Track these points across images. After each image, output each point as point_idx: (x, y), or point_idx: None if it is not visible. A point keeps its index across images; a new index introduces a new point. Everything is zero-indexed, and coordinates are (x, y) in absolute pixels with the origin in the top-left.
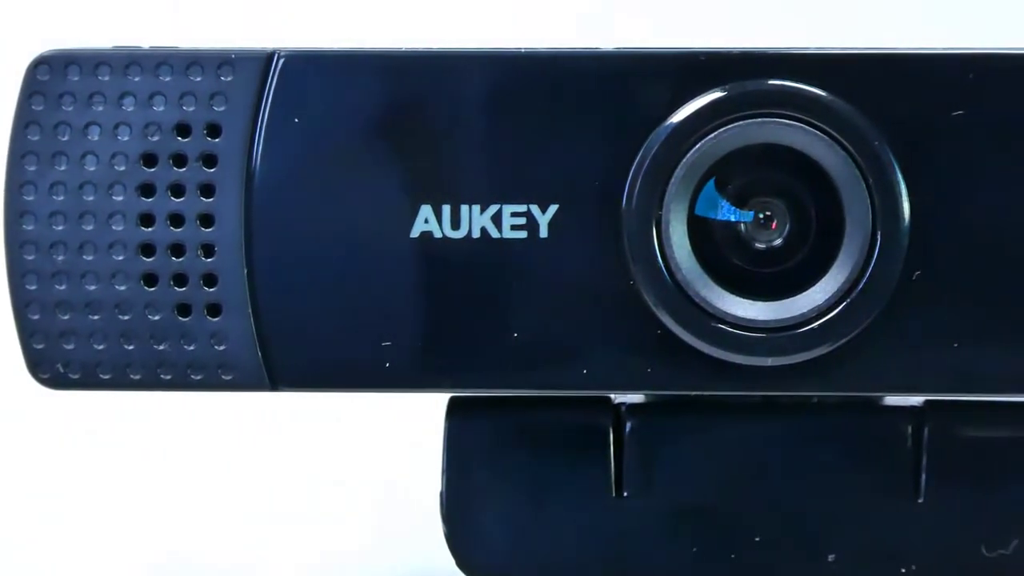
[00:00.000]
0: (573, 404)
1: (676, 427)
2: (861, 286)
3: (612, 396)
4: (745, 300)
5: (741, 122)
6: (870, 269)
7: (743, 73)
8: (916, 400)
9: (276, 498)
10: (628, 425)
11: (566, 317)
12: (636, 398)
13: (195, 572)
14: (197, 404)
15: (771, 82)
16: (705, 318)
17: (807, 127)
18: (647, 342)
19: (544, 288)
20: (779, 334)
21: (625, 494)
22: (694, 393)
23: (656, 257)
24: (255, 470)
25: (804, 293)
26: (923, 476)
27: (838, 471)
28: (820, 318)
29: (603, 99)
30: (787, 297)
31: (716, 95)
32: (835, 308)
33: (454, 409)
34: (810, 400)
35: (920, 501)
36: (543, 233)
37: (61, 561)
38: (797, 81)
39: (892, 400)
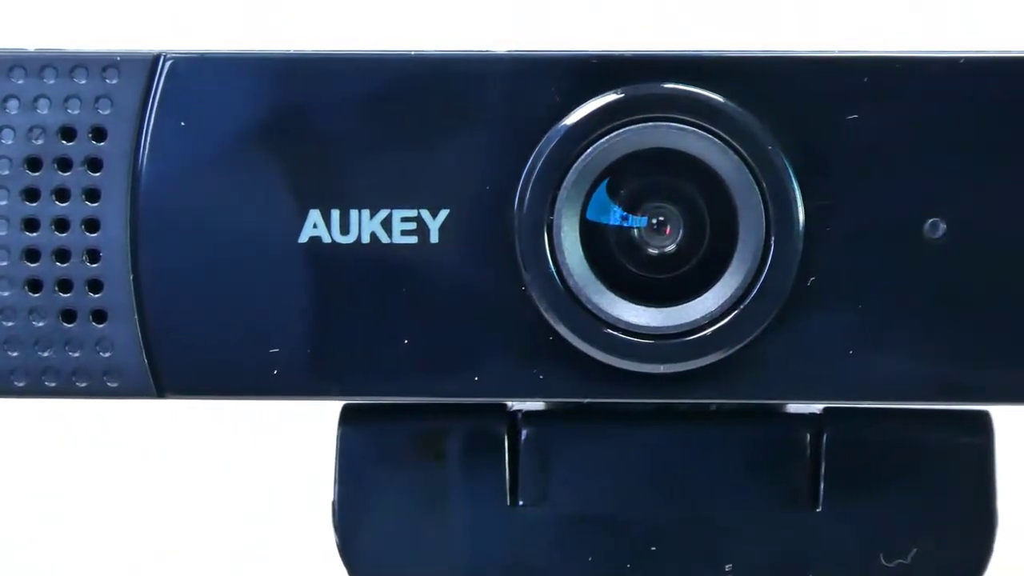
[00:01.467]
0: (468, 411)
1: (572, 435)
2: (754, 293)
3: (509, 403)
4: (638, 306)
5: (634, 126)
6: (763, 275)
7: (637, 76)
8: (816, 407)
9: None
10: (524, 433)
11: (457, 324)
12: (533, 405)
13: None
14: None
15: (664, 85)
16: (597, 324)
17: (700, 131)
18: (539, 349)
19: (435, 294)
20: (671, 341)
21: (520, 503)
22: (587, 401)
23: (547, 263)
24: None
25: (697, 299)
26: (821, 484)
27: (736, 479)
28: (713, 325)
29: (494, 102)
30: (680, 303)
31: (608, 98)
32: (728, 315)
33: (347, 416)
34: (708, 407)
35: (818, 510)
36: (434, 238)
37: None
38: (692, 84)
39: (792, 407)
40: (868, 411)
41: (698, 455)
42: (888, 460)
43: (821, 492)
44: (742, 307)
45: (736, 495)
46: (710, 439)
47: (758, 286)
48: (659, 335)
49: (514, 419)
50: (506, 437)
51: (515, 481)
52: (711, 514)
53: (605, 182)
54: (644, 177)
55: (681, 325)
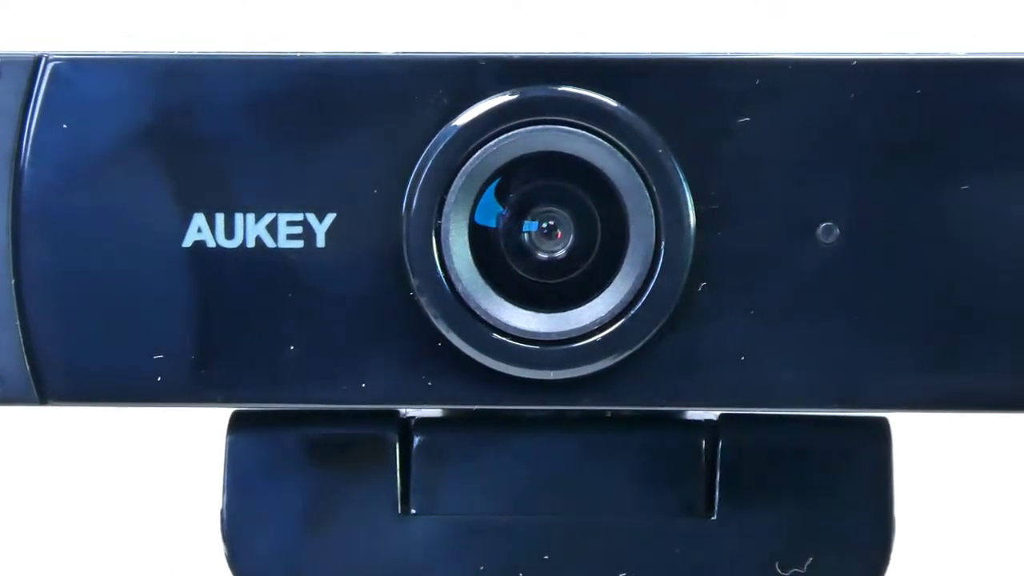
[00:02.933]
0: (360, 418)
1: (466, 442)
2: (644, 298)
3: (402, 410)
4: (527, 312)
5: (523, 129)
6: (654, 280)
7: (527, 78)
8: (712, 414)
9: None
10: (416, 440)
11: (345, 329)
12: (427, 412)
13: None
14: None
15: (554, 88)
16: (485, 330)
17: (590, 134)
18: (428, 355)
19: (322, 299)
20: (560, 347)
21: (412, 511)
22: (476, 408)
23: (435, 267)
24: None
25: (587, 305)
26: (716, 492)
27: (630, 487)
28: (602, 331)
29: (382, 105)
30: (570, 309)
31: (497, 101)
32: (618, 320)
33: (236, 424)
34: (603, 414)
35: (713, 518)
36: (320, 243)
37: None
38: (583, 87)
39: (690, 414)
40: (765, 418)
41: (593, 462)
42: (785, 467)
43: (716, 500)
44: (632, 313)
45: (630, 503)
46: (605, 446)
47: (648, 291)
48: (548, 341)
49: (407, 426)
50: (398, 444)
51: (407, 489)
52: (605, 522)
53: (494, 185)
54: (534, 181)
55: (570, 331)
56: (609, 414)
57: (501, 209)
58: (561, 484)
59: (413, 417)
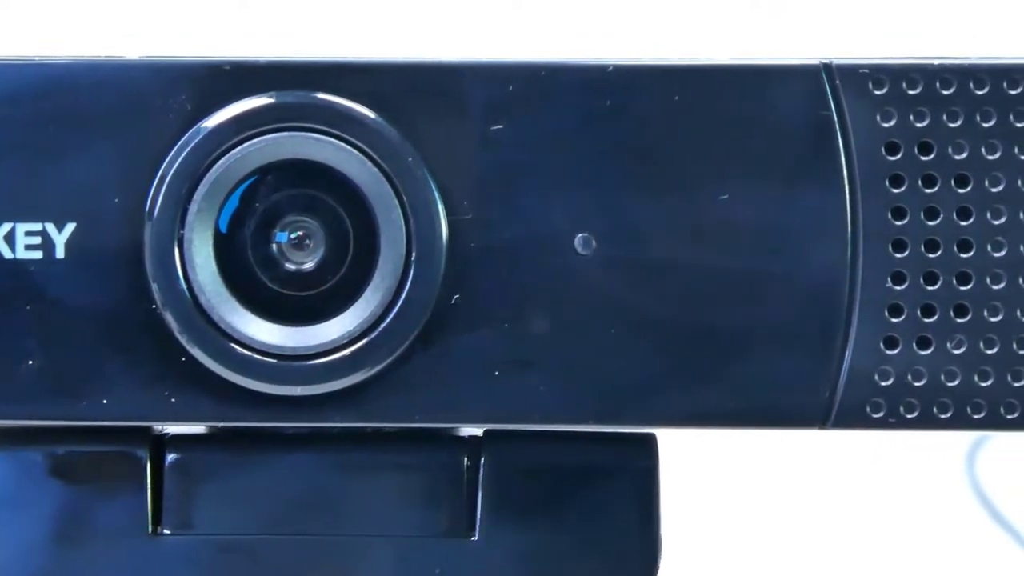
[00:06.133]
0: (111, 434)
1: (220, 459)
2: (395, 312)
3: (157, 426)
4: (273, 325)
5: (268, 136)
6: (404, 293)
7: (273, 84)
8: (477, 430)
9: None
10: (168, 457)
11: (86, 344)
12: (184, 428)
13: None
14: None
15: (301, 93)
16: (230, 344)
17: (339, 142)
18: (172, 370)
19: (62, 312)
20: (307, 362)
21: (164, 530)
22: (222, 425)
23: (178, 279)
24: None
25: (336, 318)
26: (478, 511)
27: (390, 505)
28: (351, 345)
29: (124, 111)
30: (319, 322)
31: (242, 107)
32: (368, 334)
33: None
34: (364, 431)
35: (474, 538)
36: (59, 254)
37: None
38: (332, 93)
39: (461, 430)
40: (530, 434)
41: (352, 480)
42: (549, 485)
43: (478, 519)
44: (382, 327)
45: (389, 522)
46: (366, 463)
47: (399, 305)
48: (295, 356)
49: (160, 443)
50: (150, 462)
51: (158, 507)
52: (364, 542)
53: (239, 194)
54: (284, 190)
55: (318, 345)
56: (369, 430)
57: (249, 219)
58: (318, 502)
59: (167, 433)
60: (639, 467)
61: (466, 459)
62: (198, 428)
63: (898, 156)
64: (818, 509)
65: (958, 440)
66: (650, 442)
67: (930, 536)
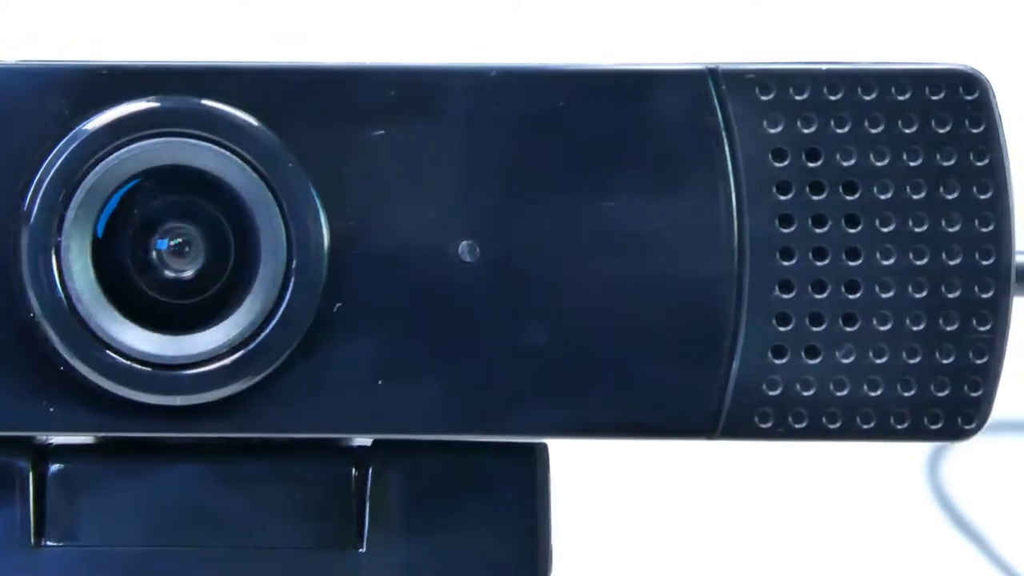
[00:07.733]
0: None
1: (104, 470)
2: (275, 320)
3: (41, 436)
4: (152, 334)
5: (146, 141)
6: (285, 301)
7: (150, 88)
8: (366, 440)
9: None
10: (51, 467)
11: None
12: (68, 438)
13: None
14: None
15: (179, 98)
16: (107, 353)
17: (217, 147)
18: (49, 380)
19: None
20: (186, 371)
21: (46, 542)
22: (101, 435)
23: (55, 287)
24: None
25: (217, 327)
26: (366, 523)
27: (275, 517)
28: (232, 354)
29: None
30: (198, 331)
31: (119, 112)
32: (248, 344)
33: None
34: (251, 441)
35: (361, 550)
36: None
37: None
38: (212, 98)
39: (354, 440)
40: (420, 444)
41: (238, 491)
42: (439, 495)
43: (366, 531)
44: (261, 336)
45: (277, 534)
46: (251, 474)
47: (279, 313)
48: (173, 365)
49: (44, 452)
50: (32, 472)
51: (40, 519)
52: (250, 554)
53: (116, 200)
54: (162, 196)
55: (197, 355)
56: (256, 441)
57: (127, 226)
58: (204, 514)
59: (50, 443)
60: (528, 477)
61: (354, 470)
62: (84, 438)
63: (785, 163)
64: (779, 516)
65: (920, 446)
66: (540, 451)
67: (892, 543)
